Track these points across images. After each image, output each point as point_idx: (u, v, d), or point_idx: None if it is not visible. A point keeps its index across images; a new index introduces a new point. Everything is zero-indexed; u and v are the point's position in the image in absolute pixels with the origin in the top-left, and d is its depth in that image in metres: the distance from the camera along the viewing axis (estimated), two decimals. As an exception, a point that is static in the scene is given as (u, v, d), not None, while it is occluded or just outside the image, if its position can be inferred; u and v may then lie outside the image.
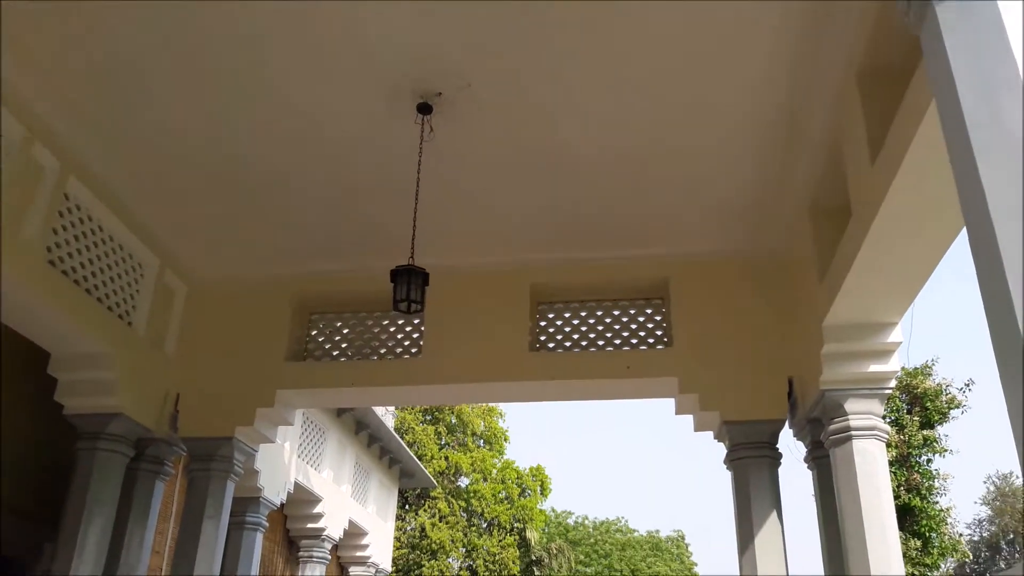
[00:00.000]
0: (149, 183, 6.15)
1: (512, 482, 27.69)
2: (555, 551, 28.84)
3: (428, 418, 27.35)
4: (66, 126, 5.48)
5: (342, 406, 9.44)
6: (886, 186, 4.01)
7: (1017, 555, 32.90)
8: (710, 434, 6.60)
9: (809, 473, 6.15)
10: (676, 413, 6.63)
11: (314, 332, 7.13)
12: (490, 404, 28.80)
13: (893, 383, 5.48)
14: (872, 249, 4.50)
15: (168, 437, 6.83)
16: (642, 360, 6.40)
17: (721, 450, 6.41)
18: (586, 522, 38.64)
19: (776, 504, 5.91)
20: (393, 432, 12.30)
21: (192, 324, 7.11)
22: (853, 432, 5.33)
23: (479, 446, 28.18)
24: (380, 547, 12.95)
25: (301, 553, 10.71)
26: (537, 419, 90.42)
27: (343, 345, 7.01)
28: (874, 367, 5.36)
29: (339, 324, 7.09)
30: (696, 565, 37.23)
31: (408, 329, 6.95)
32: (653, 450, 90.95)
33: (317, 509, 10.40)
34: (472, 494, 26.90)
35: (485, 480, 27.28)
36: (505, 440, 28.97)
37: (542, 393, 6.81)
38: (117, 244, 6.39)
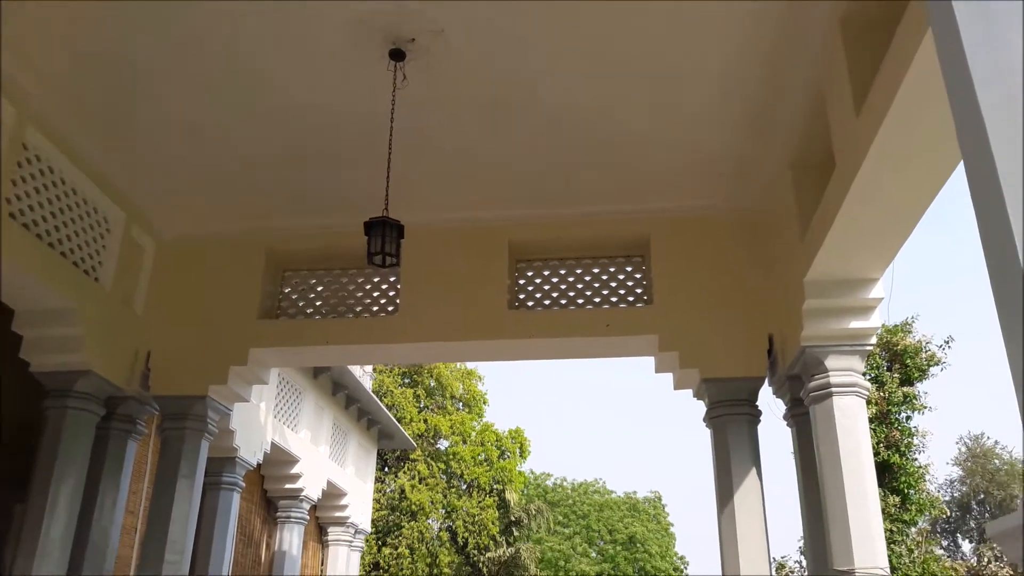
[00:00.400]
0: (111, 135, 5.94)
1: (491, 444, 27.84)
2: (534, 512, 29.15)
3: (407, 381, 27.32)
4: (22, 74, 5.24)
5: (317, 365, 9.29)
6: (871, 136, 3.92)
7: (987, 515, 33.69)
8: (689, 395, 6.58)
9: (788, 431, 6.15)
10: (656, 371, 6.59)
11: (287, 290, 6.98)
12: (468, 367, 28.84)
13: (874, 339, 5.47)
14: (855, 202, 4.43)
15: (139, 395, 6.70)
16: (622, 318, 6.34)
17: (699, 411, 6.40)
18: (564, 484, 39.14)
19: (755, 461, 5.91)
20: (371, 393, 12.21)
21: (162, 281, 6.93)
22: (833, 389, 5.30)
23: (458, 409, 28.25)
24: (359, 508, 12.94)
25: (279, 514, 10.67)
26: (516, 383, 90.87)
27: (317, 303, 6.88)
28: (855, 323, 5.33)
29: (313, 281, 6.95)
30: (673, 525, 37.91)
31: (384, 287, 6.83)
32: (631, 413, 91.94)
33: (295, 470, 10.34)
34: (451, 456, 27.03)
35: (464, 442, 27.41)
36: (484, 403, 29.06)
37: (521, 352, 6.74)
38: (81, 198, 6.17)
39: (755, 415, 6.10)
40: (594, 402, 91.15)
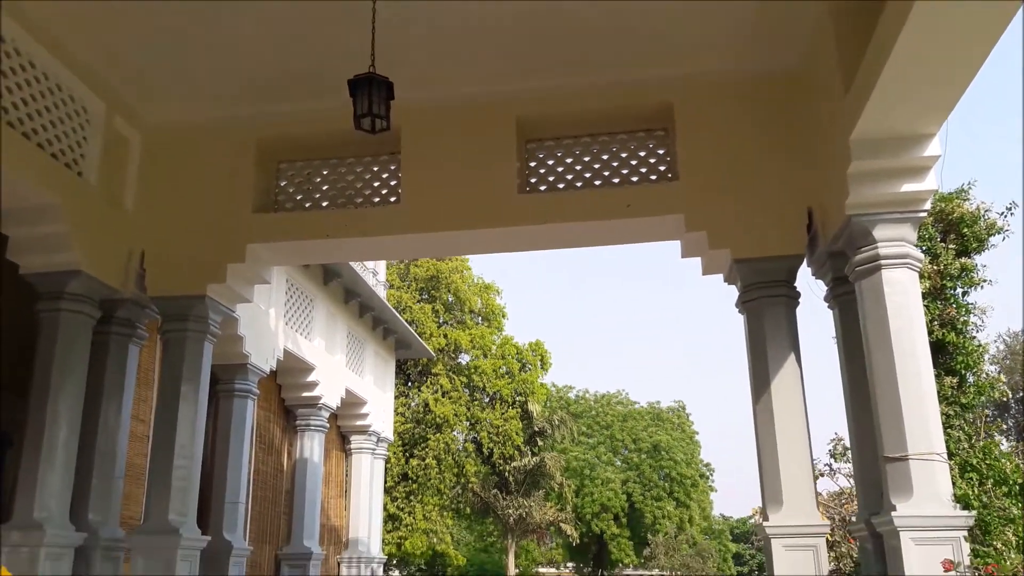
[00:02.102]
0: (83, 16, 5.39)
1: (512, 357, 27.79)
2: (557, 422, 29.33)
3: (425, 296, 27.13)
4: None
5: (319, 261, 8.80)
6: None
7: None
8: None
9: (823, 319, 5.69)
10: (682, 256, 6.12)
11: (283, 182, 6.52)
12: (486, 281, 28.56)
13: (928, 205, 4.93)
14: (911, 38, 3.84)
15: (136, 297, 6.38)
16: (644, 197, 5.82)
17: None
18: (587, 396, 39.32)
19: (794, 347, 5.48)
20: (385, 302, 11.89)
21: (151, 176, 6.51)
22: (882, 261, 4.83)
23: (477, 323, 28.10)
24: (380, 416, 12.83)
25: (299, 422, 10.52)
26: (534, 295, 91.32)
27: (315, 195, 6.43)
28: (907, 186, 4.79)
29: (309, 172, 6.48)
30: (697, 434, 38.08)
31: (385, 176, 6.35)
32: (653, 322, 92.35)
33: (311, 378, 10.13)
34: (473, 370, 27.04)
35: (485, 356, 27.36)
36: (503, 317, 28.88)
37: (534, 240, 6.27)
38: (54, 84, 5.69)
39: (793, 297, 5.63)
40: (614, 312, 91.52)
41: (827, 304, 5.66)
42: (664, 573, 34.29)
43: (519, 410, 27.42)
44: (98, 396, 6.27)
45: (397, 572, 41.43)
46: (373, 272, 12.35)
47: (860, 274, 4.94)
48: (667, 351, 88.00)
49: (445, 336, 26.16)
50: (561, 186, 6.05)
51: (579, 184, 6.02)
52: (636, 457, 36.12)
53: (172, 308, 6.35)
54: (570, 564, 42.95)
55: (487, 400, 27.48)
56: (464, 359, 27.38)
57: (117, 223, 6.30)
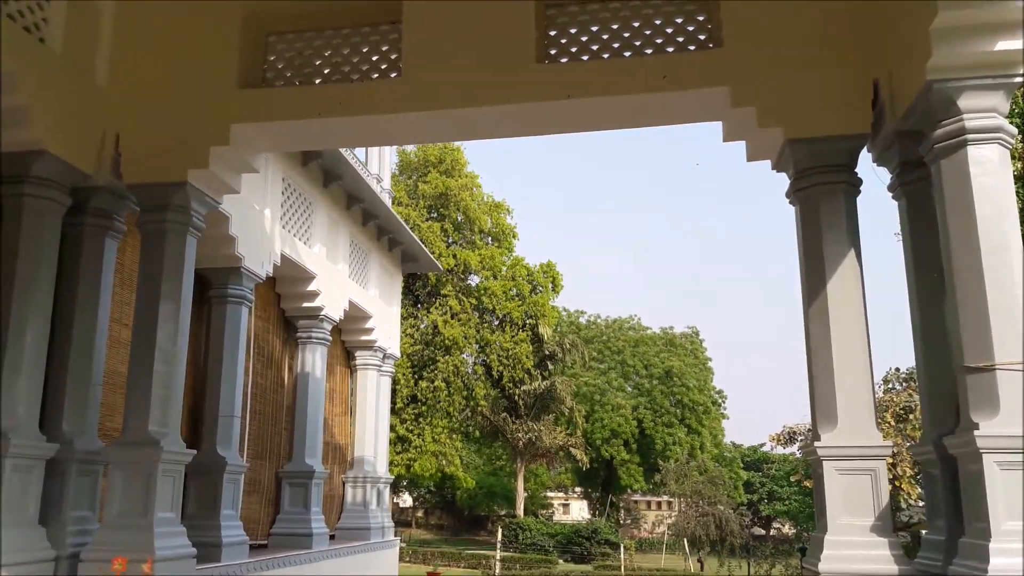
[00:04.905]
0: None
1: (523, 279, 27.26)
2: (568, 346, 28.96)
3: (433, 215, 26.42)
4: None
5: (312, 146, 7.94)
6: None
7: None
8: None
9: (887, 210, 4.98)
10: (724, 140, 5.38)
11: (272, 57, 5.77)
12: (496, 199, 27.77)
13: (1024, 68, 4.15)
14: None
15: (111, 185, 5.74)
16: (683, 66, 5.04)
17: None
18: (598, 320, 38.92)
19: (854, 242, 4.79)
20: (390, 209, 11.20)
21: (126, 50, 5.81)
22: (968, 136, 4.10)
23: (487, 244, 27.45)
24: (386, 332, 12.30)
25: (300, 334, 9.99)
26: (547, 215, 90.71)
27: (307, 71, 5.67)
28: (1002, 43, 4.01)
29: (300, 46, 5.72)
30: (710, 360, 37.76)
31: (385, 48, 5.58)
32: (669, 244, 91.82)
33: (311, 287, 9.54)
34: (483, 291, 26.56)
35: (495, 277, 26.83)
36: (514, 237, 28.24)
37: (554, 120, 5.53)
38: (2, -71, 4.92)
39: (854, 185, 4.91)
40: (630, 233, 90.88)
41: (891, 194, 4.95)
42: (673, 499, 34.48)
43: (529, 333, 27.05)
44: (72, 294, 5.70)
45: (407, 494, 41.98)
46: (377, 179, 11.62)
47: (940, 152, 4.21)
48: (682, 276, 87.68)
49: (454, 256, 25.59)
50: (585, 57, 5.27)
51: (606, 55, 5.23)
52: (647, 383, 35.92)
53: (150, 197, 5.72)
54: (578, 488, 43.38)
55: (497, 323, 27.09)
56: (474, 280, 26.88)
57: (88, 101, 5.61)
